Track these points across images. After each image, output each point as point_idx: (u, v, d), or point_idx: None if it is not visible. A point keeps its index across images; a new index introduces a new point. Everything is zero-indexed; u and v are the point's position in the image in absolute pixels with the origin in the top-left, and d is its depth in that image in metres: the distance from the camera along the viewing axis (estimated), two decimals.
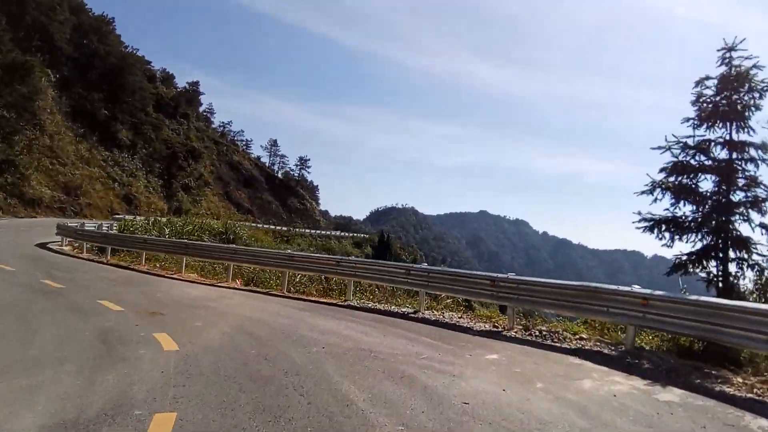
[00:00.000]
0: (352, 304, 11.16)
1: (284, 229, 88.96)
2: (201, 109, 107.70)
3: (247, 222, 72.67)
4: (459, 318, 9.79)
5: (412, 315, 9.94)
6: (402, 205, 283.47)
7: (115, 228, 24.73)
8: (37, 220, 41.78)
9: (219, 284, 13.75)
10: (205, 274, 15.85)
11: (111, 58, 71.40)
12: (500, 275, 8.87)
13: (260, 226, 78.28)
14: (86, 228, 20.45)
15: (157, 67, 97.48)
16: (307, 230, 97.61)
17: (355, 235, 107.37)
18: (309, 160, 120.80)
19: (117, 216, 54.54)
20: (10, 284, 10.87)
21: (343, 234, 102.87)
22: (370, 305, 11.06)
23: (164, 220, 32.52)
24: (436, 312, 10.39)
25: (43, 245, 20.55)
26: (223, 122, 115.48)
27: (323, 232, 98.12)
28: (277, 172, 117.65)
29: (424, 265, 10.57)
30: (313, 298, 11.94)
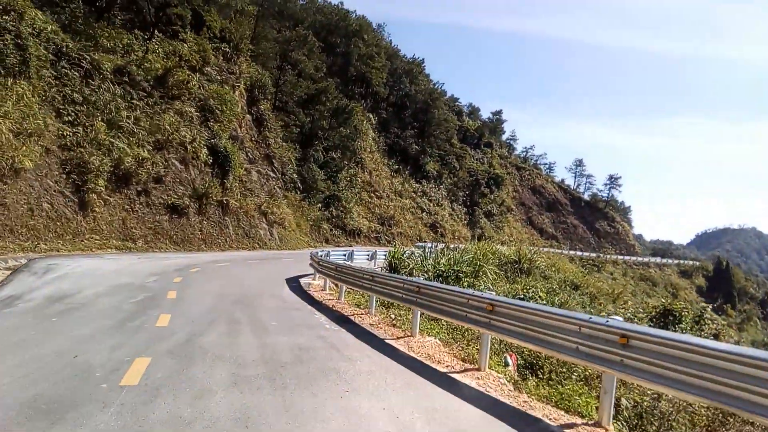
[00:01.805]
0: None
1: (592, 255, 76.64)
2: (504, 137, 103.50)
3: (549, 248, 63.80)
4: None
5: None
6: (739, 225, 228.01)
7: (382, 259, 19.66)
8: (349, 249, 41.20)
9: (462, 373, 6.34)
10: (454, 339, 8.68)
11: (420, 96, 72.23)
12: None
13: (564, 252, 68.28)
14: (327, 258, 15.53)
15: (464, 103, 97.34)
16: (620, 256, 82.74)
17: (681, 262, 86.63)
18: (620, 178, 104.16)
19: (419, 243, 52.48)
20: (62, 376, 5.45)
21: (665, 261, 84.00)
22: None
23: (441, 246, 26.68)
24: None
25: (293, 279, 16.39)
26: (525, 147, 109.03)
27: (639, 259, 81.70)
28: (583, 194, 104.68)
29: None
30: None
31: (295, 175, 45.48)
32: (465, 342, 8.74)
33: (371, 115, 67.27)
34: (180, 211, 27.68)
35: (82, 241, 21.79)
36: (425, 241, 57.19)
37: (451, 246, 30.94)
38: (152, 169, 26.57)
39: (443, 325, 9.63)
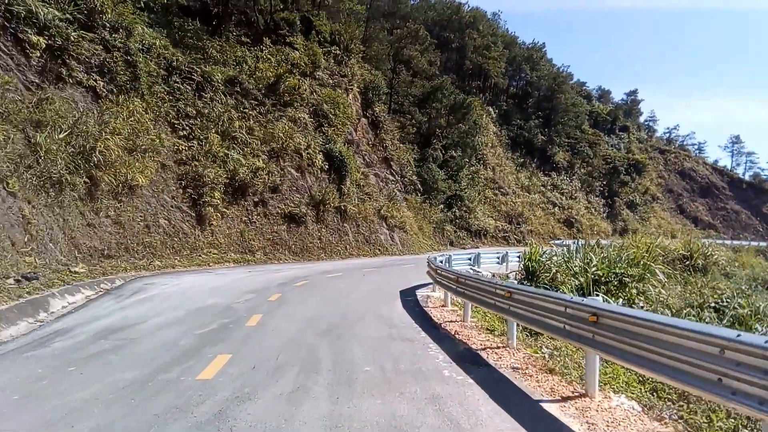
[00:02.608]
0: None
1: (762, 245, 64.10)
2: (642, 119, 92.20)
3: (707, 238, 54.10)
4: None
5: None
6: None
7: (515, 261, 15.96)
8: (475, 251, 37.60)
9: None
10: (659, 396, 5.03)
11: (543, 82, 66.14)
12: None
13: (728, 242, 57.68)
14: (447, 266, 12.21)
15: (593, 86, 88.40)
16: None
17: None
18: None
19: (556, 241, 46.96)
20: None
21: None
22: None
23: (581, 243, 21.90)
24: None
25: (409, 291, 13.36)
26: (668, 128, 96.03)
27: None
28: (744, 175, 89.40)
29: None
30: None
31: (414, 177, 42.92)
32: (684, 403, 5.03)
33: (491, 109, 62.83)
34: (298, 220, 26.23)
35: (199, 255, 20.91)
36: (560, 239, 51.31)
37: (595, 242, 26.03)
38: (268, 179, 25.41)
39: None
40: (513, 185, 57.45)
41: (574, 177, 63.51)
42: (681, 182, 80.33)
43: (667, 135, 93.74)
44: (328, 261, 25.76)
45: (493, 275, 16.48)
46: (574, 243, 28.31)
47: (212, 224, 22.10)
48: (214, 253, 21.61)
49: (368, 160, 36.41)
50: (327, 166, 29.41)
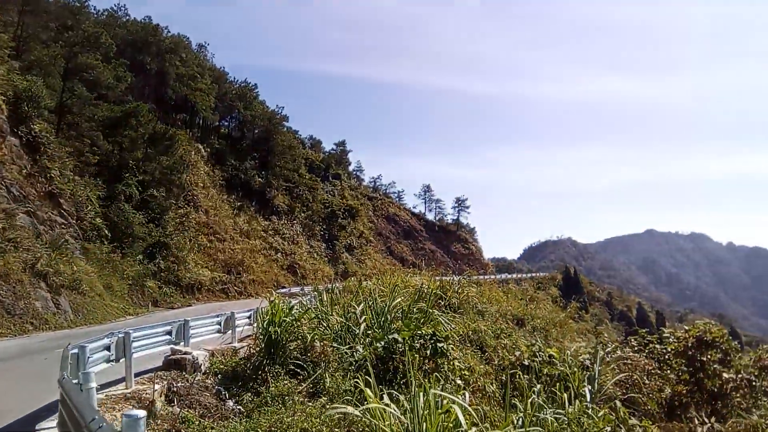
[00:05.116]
0: None
1: (458, 279, 72.84)
2: (351, 168, 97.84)
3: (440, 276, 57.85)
4: None
5: None
6: (557, 236, 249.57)
7: (244, 322, 10.04)
8: (182, 312, 29.73)
9: None
10: None
11: (258, 122, 62.64)
12: None
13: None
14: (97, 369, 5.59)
15: (305, 135, 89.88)
16: (481, 277, 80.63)
17: (536, 275, 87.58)
18: (467, 199, 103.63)
19: (282, 290, 42.29)
20: None
21: (523, 276, 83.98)
22: None
23: (337, 288, 17.20)
24: None
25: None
26: (373, 177, 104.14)
27: (501, 276, 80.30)
28: (435, 219, 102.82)
29: None
30: None
31: (98, 220, 32.74)
32: None
33: (201, 146, 55.96)
34: None
35: None
36: (285, 287, 46.99)
37: (322, 288, 21.86)
38: None
39: None
40: (231, 230, 51.15)
41: (295, 221, 60.97)
42: (388, 226, 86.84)
43: (373, 184, 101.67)
44: None
45: (212, 354, 10.04)
46: (300, 290, 23.71)
47: None
48: None
49: (18, 194, 25.33)
50: None
